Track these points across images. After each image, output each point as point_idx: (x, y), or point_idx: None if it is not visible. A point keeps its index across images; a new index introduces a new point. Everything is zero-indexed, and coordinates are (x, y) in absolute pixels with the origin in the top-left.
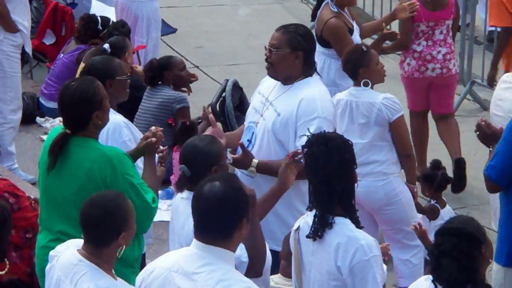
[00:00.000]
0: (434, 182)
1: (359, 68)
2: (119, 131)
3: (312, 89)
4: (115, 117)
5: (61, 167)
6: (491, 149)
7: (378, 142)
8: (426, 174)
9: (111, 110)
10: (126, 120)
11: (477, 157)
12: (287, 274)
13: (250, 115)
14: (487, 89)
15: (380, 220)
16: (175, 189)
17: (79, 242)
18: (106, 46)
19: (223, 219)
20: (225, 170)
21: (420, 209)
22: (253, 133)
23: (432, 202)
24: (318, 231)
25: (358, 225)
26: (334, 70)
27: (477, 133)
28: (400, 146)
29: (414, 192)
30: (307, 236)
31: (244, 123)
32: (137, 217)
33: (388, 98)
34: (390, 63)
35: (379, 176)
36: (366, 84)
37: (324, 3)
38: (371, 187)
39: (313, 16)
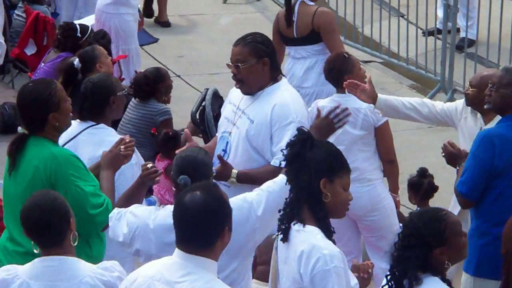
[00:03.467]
0: (420, 190)
1: (344, 75)
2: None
3: (283, 94)
4: (112, 133)
5: (17, 167)
6: (458, 168)
7: (363, 147)
8: (412, 182)
9: (112, 129)
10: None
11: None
12: (264, 279)
13: (223, 126)
14: None
15: (363, 227)
16: (157, 200)
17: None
18: (76, 61)
19: (204, 229)
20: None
21: (402, 219)
22: (227, 142)
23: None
24: (286, 232)
25: (329, 234)
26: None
27: (443, 154)
28: (384, 152)
29: (397, 201)
30: (281, 239)
31: (217, 134)
32: (77, 222)
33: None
34: (373, 71)
35: (364, 182)
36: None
37: (298, 3)
38: (356, 193)
39: (289, 21)
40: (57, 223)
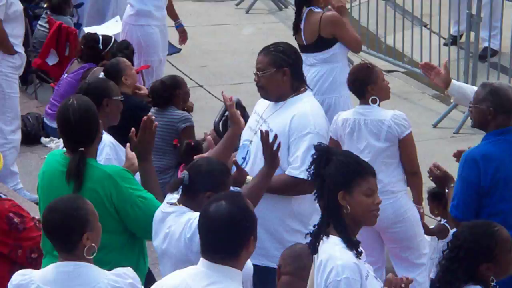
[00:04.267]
0: (442, 200)
1: (367, 85)
2: (101, 150)
3: (304, 105)
4: (104, 137)
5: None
6: (447, 190)
7: (387, 160)
8: (433, 193)
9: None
10: (113, 141)
11: None
12: None
13: (245, 134)
14: None
15: (388, 238)
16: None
17: None
18: (101, 75)
19: (230, 239)
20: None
21: (427, 230)
22: (247, 151)
23: (443, 221)
24: (313, 245)
25: (351, 245)
26: (337, 71)
27: (431, 178)
28: (407, 164)
29: (421, 213)
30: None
31: (240, 142)
32: (145, 225)
33: (398, 114)
34: (396, 81)
35: (387, 194)
36: (374, 101)
37: (305, 11)
38: (380, 205)
39: (296, 29)
40: (66, 231)
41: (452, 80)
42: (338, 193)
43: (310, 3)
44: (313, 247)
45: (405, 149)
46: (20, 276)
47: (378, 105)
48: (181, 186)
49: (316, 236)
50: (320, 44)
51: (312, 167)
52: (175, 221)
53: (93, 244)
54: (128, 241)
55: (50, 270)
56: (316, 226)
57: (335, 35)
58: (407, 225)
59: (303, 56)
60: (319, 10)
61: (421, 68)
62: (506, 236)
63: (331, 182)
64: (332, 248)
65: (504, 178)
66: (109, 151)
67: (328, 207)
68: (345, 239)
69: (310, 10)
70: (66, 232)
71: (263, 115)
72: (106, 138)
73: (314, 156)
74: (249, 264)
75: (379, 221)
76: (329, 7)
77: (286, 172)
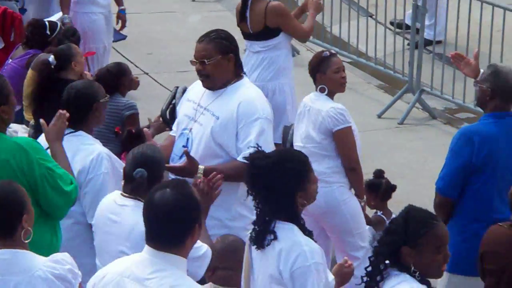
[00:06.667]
0: (379, 192)
1: (316, 73)
2: (100, 162)
3: (249, 90)
4: (97, 147)
5: None
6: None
7: (320, 151)
8: (370, 183)
9: (90, 136)
10: (107, 151)
11: (426, 166)
12: (224, 284)
13: (183, 123)
14: (436, 98)
15: (325, 227)
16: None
17: None
18: (51, 58)
19: (175, 227)
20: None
21: (368, 221)
22: (187, 139)
23: (379, 213)
24: (262, 240)
25: (304, 231)
26: (282, 58)
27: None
28: (344, 159)
29: (363, 206)
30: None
31: (173, 131)
32: (55, 201)
33: (335, 108)
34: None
35: (321, 183)
36: (322, 90)
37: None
38: None
39: (242, 16)
40: (6, 216)
41: (481, 70)
42: (295, 195)
43: None
44: (259, 242)
45: (339, 144)
46: None
47: (329, 95)
48: (144, 183)
49: (263, 233)
50: (266, 33)
51: (250, 179)
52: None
53: (29, 228)
54: (41, 215)
55: None
56: (261, 214)
57: (281, 25)
58: (341, 218)
59: (248, 43)
60: None
61: (451, 57)
62: (440, 233)
63: (285, 189)
64: (292, 234)
65: (495, 161)
66: (107, 164)
67: (280, 208)
68: (300, 225)
69: None
70: (6, 216)
71: (201, 102)
72: (101, 149)
73: (252, 170)
74: (207, 252)
75: (312, 209)
76: None
77: (239, 159)
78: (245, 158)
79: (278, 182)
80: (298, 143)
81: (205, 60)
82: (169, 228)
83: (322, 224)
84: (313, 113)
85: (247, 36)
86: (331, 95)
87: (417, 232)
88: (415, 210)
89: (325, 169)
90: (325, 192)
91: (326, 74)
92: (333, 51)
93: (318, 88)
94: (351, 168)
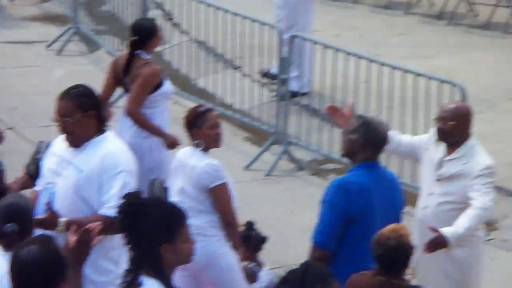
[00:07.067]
0: (250, 244)
1: (192, 128)
2: None
3: (112, 144)
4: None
5: None
6: None
7: (198, 206)
8: (242, 237)
9: None
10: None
11: (293, 217)
12: None
13: (46, 177)
14: (303, 149)
15: (203, 282)
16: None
17: None
18: None
19: (41, 284)
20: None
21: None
22: (52, 193)
23: (249, 265)
24: None
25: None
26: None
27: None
28: (219, 214)
29: (240, 259)
30: None
31: (38, 186)
32: None
33: (211, 164)
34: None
35: (198, 236)
36: (197, 145)
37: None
38: None
39: (126, 70)
40: None
41: None
42: (161, 246)
43: (142, 47)
44: None
45: (215, 199)
46: None
47: (203, 150)
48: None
49: (130, 285)
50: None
51: (121, 216)
52: None
53: None
54: None
55: None
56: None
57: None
58: (219, 272)
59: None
60: (146, 56)
61: (326, 110)
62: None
63: (151, 235)
64: None
65: (371, 211)
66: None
67: (145, 258)
68: (165, 282)
69: (137, 55)
70: None
71: (65, 156)
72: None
73: (124, 207)
74: None
75: (191, 264)
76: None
77: (101, 212)
78: (107, 210)
79: (146, 225)
80: (174, 198)
81: (66, 119)
82: (36, 285)
83: (200, 279)
84: (189, 169)
85: (126, 91)
86: (206, 150)
87: (313, 286)
88: (314, 265)
89: (202, 223)
90: (203, 245)
91: (201, 129)
92: (208, 107)
93: (194, 143)
94: (227, 223)
